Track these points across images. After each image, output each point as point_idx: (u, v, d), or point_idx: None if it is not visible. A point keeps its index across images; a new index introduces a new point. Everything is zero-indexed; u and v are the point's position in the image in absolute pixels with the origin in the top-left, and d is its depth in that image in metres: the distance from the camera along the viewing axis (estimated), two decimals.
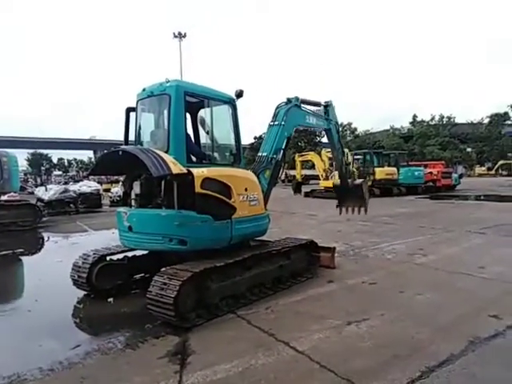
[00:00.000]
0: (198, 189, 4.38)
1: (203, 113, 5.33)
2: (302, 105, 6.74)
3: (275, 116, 6.28)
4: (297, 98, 6.51)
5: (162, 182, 4.59)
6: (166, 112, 4.75)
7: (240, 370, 3.14)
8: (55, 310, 4.86)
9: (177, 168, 4.20)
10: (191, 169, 4.43)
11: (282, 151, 6.17)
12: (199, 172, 4.46)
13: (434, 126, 65.02)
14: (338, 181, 8.34)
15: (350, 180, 8.12)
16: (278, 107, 6.39)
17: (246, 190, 5.02)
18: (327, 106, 7.57)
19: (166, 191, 4.56)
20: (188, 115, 5.20)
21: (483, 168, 61.58)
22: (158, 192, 4.71)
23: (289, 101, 6.47)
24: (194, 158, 4.87)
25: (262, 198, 5.48)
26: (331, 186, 21.97)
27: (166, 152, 4.50)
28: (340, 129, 7.97)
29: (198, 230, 4.44)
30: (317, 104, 7.30)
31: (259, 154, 6.07)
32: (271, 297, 4.93)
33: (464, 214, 13.35)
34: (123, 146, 4.80)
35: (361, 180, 8.26)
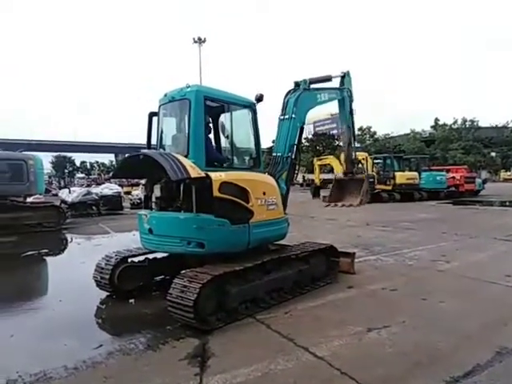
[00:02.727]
0: (215, 193, 4.40)
1: (223, 117, 5.38)
2: (312, 85, 6.36)
3: (284, 108, 6.01)
4: (305, 81, 6.18)
5: (181, 186, 4.63)
6: (186, 117, 4.82)
7: (259, 374, 3.13)
8: (79, 310, 4.96)
9: (195, 172, 4.23)
10: (209, 173, 4.45)
11: (295, 147, 5.94)
12: (217, 176, 4.48)
13: (456, 130, 63.68)
14: (341, 175, 7.84)
15: (354, 169, 7.49)
16: (286, 96, 6.09)
17: (264, 193, 5.00)
18: (344, 77, 7.16)
19: (185, 195, 4.60)
20: (210, 119, 5.27)
21: (508, 173, 59.73)
22: (177, 195, 4.76)
23: (297, 85, 6.18)
24: (214, 162, 4.90)
25: (281, 201, 5.43)
26: None
27: (186, 156, 4.55)
28: (353, 100, 7.40)
29: (215, 234, 4.46)
30: (327, 79, 6.85)
31: (273, 154, 5.93)
32: (290, 301, 4.91)
33: (488, 220, 12.98)
34: (144, 150, 4.88)
35: (363, 175, 7.60)
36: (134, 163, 4.95)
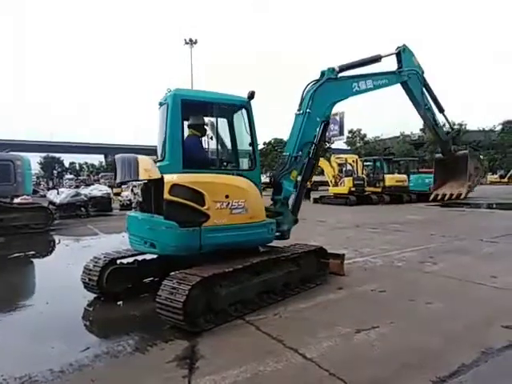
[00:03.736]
0: (166, 195, 4.38)
1: (212, 119, 5.33)
2: (345, 72, 5.59)
3: (301, 102, 5.48)
4: (331, 70, 5.48)
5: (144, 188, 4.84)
6: (165, 120, 4.86)
7: (248, 376, 3.13)
8: (66, 312, 4.91)
9: (146, 174, 4.38)
10: (165, 175, 4.43)
11: (311, 145, 5.44)
12: (169, 178, 4.42)
13: None
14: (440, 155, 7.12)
15: (452, 147, 6.60)
16: (306, 88, 5.50)
17: (226, 197, 4.66)
18: (399, 54, 6.10)
19: (146, 196, 4.77)
20: (206, 121, 5.27)
21: (495, 176, 60.68)
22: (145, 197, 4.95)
23: (322, 75, 5.50)
24: (197, 164, 4.77)
25: (258, 205, 5.05)
26: (340, 192, 22.22)
27: (163, 159, 4.72)
28: (424, 72, 6.05)
29: (163, 236, 4.49)
30: (374, 60, 5.85)
31: (283, 153, 5.64)
32: (280, 303, 4.91)
33: (475, 222, 13.16)
34: (117, 155, 5.01)
35: (464, 152, 6.74)
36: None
